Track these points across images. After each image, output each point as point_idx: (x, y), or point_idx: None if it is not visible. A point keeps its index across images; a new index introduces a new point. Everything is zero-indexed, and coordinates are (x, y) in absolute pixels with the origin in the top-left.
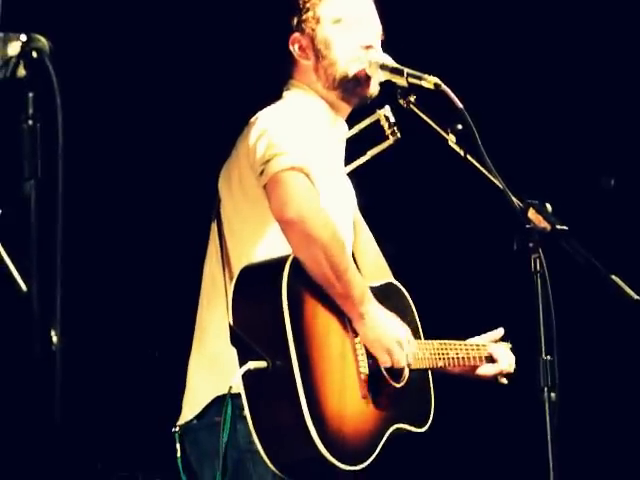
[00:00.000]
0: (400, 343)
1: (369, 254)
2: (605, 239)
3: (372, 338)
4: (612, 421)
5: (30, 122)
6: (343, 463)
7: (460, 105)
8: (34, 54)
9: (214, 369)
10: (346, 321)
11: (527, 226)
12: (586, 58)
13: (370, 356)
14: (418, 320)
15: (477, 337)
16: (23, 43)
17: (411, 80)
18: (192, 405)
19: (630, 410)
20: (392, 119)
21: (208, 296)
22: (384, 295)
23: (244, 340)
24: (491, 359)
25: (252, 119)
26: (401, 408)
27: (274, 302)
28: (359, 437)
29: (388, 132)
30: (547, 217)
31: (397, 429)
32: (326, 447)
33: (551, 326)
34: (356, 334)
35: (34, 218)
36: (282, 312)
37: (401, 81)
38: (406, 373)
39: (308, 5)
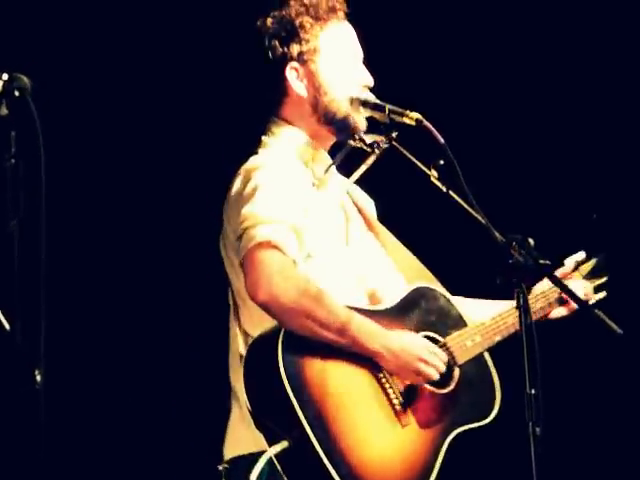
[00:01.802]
0: (423, 359)
1: (404, 260)
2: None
3: (396, 367)
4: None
5: (12, 161)
6: None
7: (442, 140)
8: (16, 93)
9: (252, 426)
10: (364, 363)
11: (510, 261)
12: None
13: (398, 384)
14: (461, 311)
15: (546, 280)
16: (5, 82)
17: (393, 117)
18: (233, 448)
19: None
20: (367, 140)
21: (234, 355)
22: (410, 304)
23: (263, 423)
24: (562, 299)
25: (237, 174)
26: (458, 410)
27: (275, 379)
28: (408, 470)
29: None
30: (529, 252)
31: (459, 434)
32: None
33: (535, 360)
34: (378, 369)
35: (17, 256)
36: (284, 387)
37: (383, 117)
38: (455, 374)
39: (309, 36)
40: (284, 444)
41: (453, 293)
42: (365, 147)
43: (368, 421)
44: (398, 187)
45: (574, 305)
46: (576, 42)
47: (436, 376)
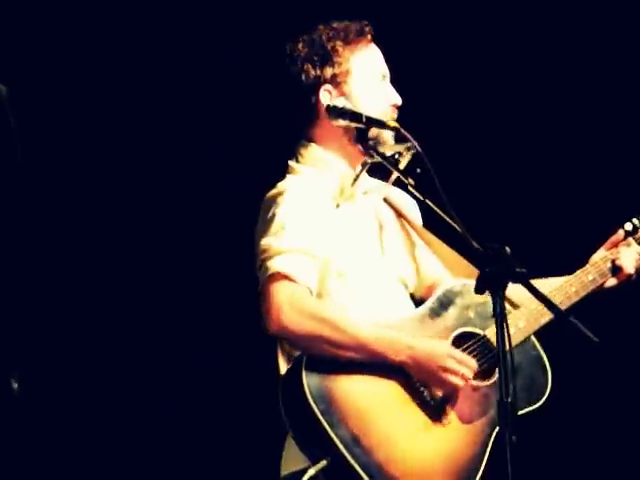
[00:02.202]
0: (448, 368)
1: (450, 258)
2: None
3: (424, 376)
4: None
5: None
6: None
7: (419, 149)
8: None
9: None
10: (391, 372)
11: (486, 269)
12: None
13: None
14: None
15: (600, 250)
16: None
17: (370, 125)
18: (288, 464)
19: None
20: (388, 153)
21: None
22: (443, 304)
23: (304, 445)
24: (614, 269)
25: (268, 195)
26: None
27: (305, 405)
28: (454, 467)
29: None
30: (506, 260)
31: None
32: None
33: (510, 369)
34: (407, 381)
35: None
36: (314, 412)
37: (360, 126)
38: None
39: (341, 59)
40: (323, 463)
41: None
42: (383, 161)
43: (402, 429)
44: None
45: (626, 274)
46: (564, 48)
47: (461, 384)
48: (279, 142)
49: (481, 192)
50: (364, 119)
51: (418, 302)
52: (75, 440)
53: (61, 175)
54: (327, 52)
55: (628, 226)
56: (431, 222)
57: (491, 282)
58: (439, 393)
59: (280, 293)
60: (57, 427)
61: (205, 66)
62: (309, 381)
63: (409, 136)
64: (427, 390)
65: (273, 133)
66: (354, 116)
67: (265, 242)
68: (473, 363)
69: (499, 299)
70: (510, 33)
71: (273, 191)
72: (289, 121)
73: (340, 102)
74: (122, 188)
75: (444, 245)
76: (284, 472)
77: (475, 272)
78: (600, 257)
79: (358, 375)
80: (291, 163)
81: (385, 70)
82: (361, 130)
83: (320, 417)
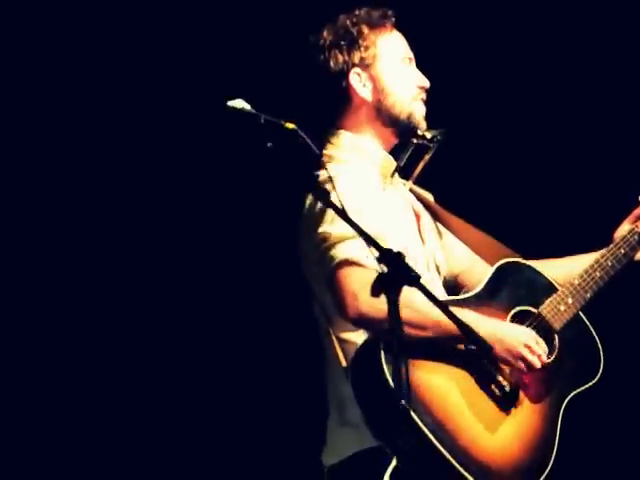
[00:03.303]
0: (528, 345)
1: (479, 241)
2: None
3: (501, 352)
4: None
5: None
6: None
7: (317, 151)
8: None
9: (357, 431)
10: (463, 358)
11: (385, 271)
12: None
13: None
14: (548, 276)
15: (624, 224)
16: None
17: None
18: (336, 451)
19: None
20: (428, 136)
21: (331, 364)
22: (497, 284)
23: (382, 435)
24: None
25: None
26: (566, 376)
27: (386, 393)
28: (532, 448)
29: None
30: (401, 265)
31: (571, 399)
32: None
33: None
34: (477, 363)
35: None
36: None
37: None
38: (556, 341)
39: (367, 43)
40: (393, 463)
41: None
42: (427, 143)
43: (480, 413)
44: None
45: None
46: (561, 46)
47: (538, 365)
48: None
49: (493, 179)
50: (262, 120)
51: (449, 289)
52: (71, 439)
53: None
54: (353, 37)
55: None
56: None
57: (386, 284)
58: (511, 375)
59: (353, 280)
60: (58, 426)
61: (220, 61)
62: (389, 369)
63: (309, 140)
64: (499, 374)
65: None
66: (252, 117)
67: (323, 231)
68: (545, 346)
69: (393, 301)
70: (505, 30)
71: (319, 179)
72: (320, 109)
73: (239, 103)
74: (137, 184)
75: (473, 229)
76: (332, 460)
77: (506, 251)
78: (628, 230)
79: (432, 362)
80: (328, 152)
81: (410, 53)
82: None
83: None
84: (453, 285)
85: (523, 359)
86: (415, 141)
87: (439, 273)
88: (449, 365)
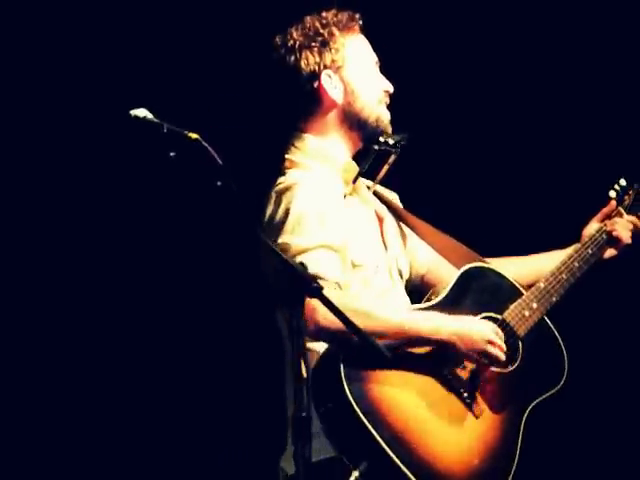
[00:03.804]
0: (491, 340)
1: (444, 244)
2: None
3: (466, 350)
4: None
5: None
6: None
7: (220, 162)
8: None
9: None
10: (425, 367)
11: (284, 285)
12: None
13: (463, 377)
14: (514, 281)
15: (592, 222)
16: None
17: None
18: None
19: None
20: (391, 142)
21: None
22: (461, 290)
23: (341, 446)
24: (610, 240)
25: (269, 197)
26: (529, 383)
27: (345, 406)
28: (494, 457)
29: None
30: (301, 274)
31: (535, 406)
32: None
33: (300, 379)
34: (440, 368)
35: None
36: (356, 413)
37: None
38: (520, 347)
39: (338, 45)
40: (364, 465)
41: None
42: (389, 148)
43: (439, 423)
44: None
45: (624, 243)
46: (515, 47)
47: (503, 357)
48: (268, 137)
49: (457, 180)
50: (165, 129)
51: (415, 291)
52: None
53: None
54: (324, 38)
55: (612, 193)
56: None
57: (287, 297)
58: (468, 382)
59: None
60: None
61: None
62: (348, 381)
63: (212, 150)
64: (459, 382)
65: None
66: (154, 126)
67: (283, 242)
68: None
69: (296, 314)
70: (463, 31)
71: (280, 186)
72: (282, 113)
73: (141, 112)
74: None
75: (436, 231)
76: (291, 469)
77: (470, 254)
78: (596, 229)
79: (394, 372)
80: (290, 157)
81: (375, 57)
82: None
83: (362, 417)
84: (419, 286)
85: (487, 354)
86: (377, 147)
87: (402, 277)
88: (409, 376)
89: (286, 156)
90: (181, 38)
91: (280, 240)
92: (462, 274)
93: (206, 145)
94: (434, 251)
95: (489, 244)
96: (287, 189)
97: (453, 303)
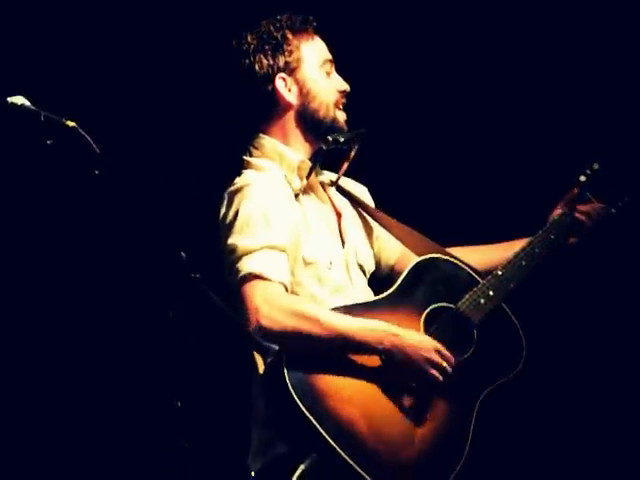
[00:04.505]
0: (431, 359)
1: (409, 238)
2: None
3: (405, 364)
4: None
5: None
6: None
7: (97, 150)
8: None
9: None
10: (372, 360)
11: (164, 274)
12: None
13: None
14: (471, 270)
15: (557, 208)
16: None
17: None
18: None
19: None
20: (341, 139)
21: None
22: (412, 282)
23: (290, 443)
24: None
25: (222, 198)
26: (483, 370)
27: (289, 402)
28: (445, 444)
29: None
30: (181, 266)
31: (488, 392)
32: None
33: (185, 373)
34: (381, 369)
35: None
36: (299, 407)
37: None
38: (474, 335)
39: (292, 47)
40: (313, 457)
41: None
42: (339, 146)
43: (386, 415)
44: None
45: (586, 229)
46: (467, 45)
47: (441, 379)
48: (228, 139)
49: (417, 173)
50: (42, 117)
51: (385, 282)
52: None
53: None
54: (278, 41)
55: (582, 178)
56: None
57: (167, 287)
58: (416, 383)
59: (255, 294)
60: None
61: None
62: (292, 378)
63: (89, 138)
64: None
65: (221, 130)
66: (32, 114)
67: (231, 242)
68: (452, 358)
69: (175, 304)
70: (416, 30)
71: (232, 188)
72: (240, 116)
73: (18, 100)
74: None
75: (400, 225)
76: (257, 465)
77: (431, 246)
78: (559, 215)
79: (337, 368)
80: (247, 158)
81: (331, 58)
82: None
83: (307, 412)
84: (391, 277)
85: (424, 372)
86: (325, 147)
87: (364, 271)
88: (355, 369)
89: (243, 157)
90: (146, 40)
91: (229, 241)
92: (412, 267)
93: (83, 133)
94: (401, 244)
95: (456, 233)
96: (238, 190)
97: (402, 297)
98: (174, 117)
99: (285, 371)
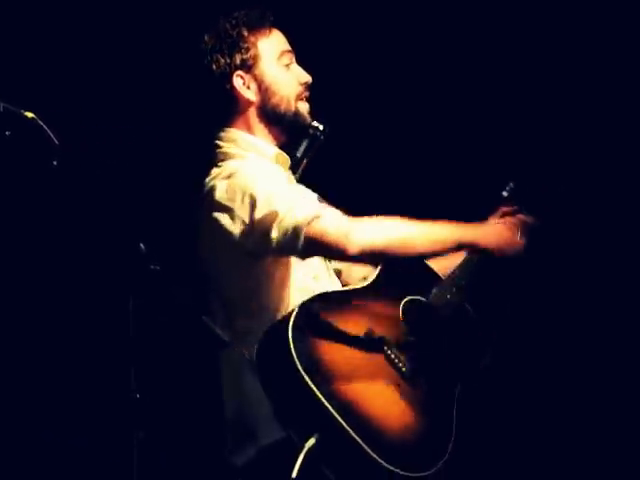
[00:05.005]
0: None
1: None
2: None
3: (500, 242)
4: None
5: None
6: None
7: (56, 141)
8: None
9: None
10: (371, 342)
11: (121, 265)
12: None
13: (405, 352)
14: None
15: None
16: None
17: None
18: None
19: None
20: (321, 127)
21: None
22: (388, 274)
23: (289, 420)
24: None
25: (211, 184)
26: (456, 362)
27: (292, 373)
28: (433, 425)
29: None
30: (140, 258)
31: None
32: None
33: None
34: (383, 346)
35: None
36: (303, 379)
37: None
38: (446, 330)
39: (248, 44)
40: (315, 437)
41: None
42: (319, 134)
43: (385, 393)
44: None
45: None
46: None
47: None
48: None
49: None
50: (1, 108)
51: None
52: None
53: None
54: (233, 39)
55: (505, 193)
56: None
57: (125, 278)
58: (407, 360)
59: (326, 231)
60: None
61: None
62: (296, 345)
63: (48, 130)
64: (399, 360)
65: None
66: None
67: (263, 215)
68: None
69: (133, 296)
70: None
71: (224, 174)
72: (208, 114)
73: None
74: None
75: None
76: (241, 460)
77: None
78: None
79: (341, 343)
80: (223, 150)
81: (290, 50)
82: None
83: (314, 389)
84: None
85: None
86: (311, 132)
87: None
88: (356, 345)
89: (219, 150)
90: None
91: (259, 215)
92: (376, 277)
93: (42, 124)
94: None
95: None
96: (233, 174)
97: (383, 285)
98: (134, 107)
99: (290, 339)
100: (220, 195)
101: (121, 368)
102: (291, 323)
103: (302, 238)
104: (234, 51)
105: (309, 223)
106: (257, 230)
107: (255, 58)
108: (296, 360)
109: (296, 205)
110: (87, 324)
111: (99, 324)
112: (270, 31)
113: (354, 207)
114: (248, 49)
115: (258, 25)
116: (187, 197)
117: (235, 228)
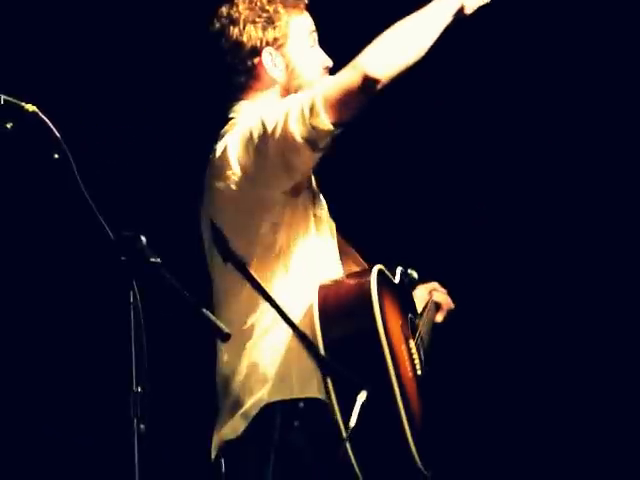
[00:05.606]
0: None
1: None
2: None
3: None
4: None
5: None
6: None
7: (57, 134)
8: None
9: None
10: (403, 326)
11: (122, 258)
12: None
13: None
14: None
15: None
16: None
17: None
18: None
19: None
20: None
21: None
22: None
23: (340, 371)
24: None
25: (219, 154)
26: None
27: (367, 325)
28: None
29: None
30: (140, 250)
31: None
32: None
33: (143, 358)
34: (409, 337)
35: None
36: (378, 334)
37: None
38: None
39: (281, 23)
40: (363, 395)
41: None
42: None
43: (414, 385)
44: None
45: (447, 308)
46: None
47: None
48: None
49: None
50: (2, 101)
51: None
52: None
53: None
54: (269, 15)
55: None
56: None
57: (125, 271)
58: (417, 353)
59: (336, 81)
60: None
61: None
62: (380, 301)
63: (50, 123)
64: (415, 353)
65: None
66: None
67: (274, 123)
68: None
69: (133, 289)
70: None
71: (240, 130)
72: (226, 84)
73: None
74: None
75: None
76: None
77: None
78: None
79: (397, 316)
80: (234, 121)
81: (316, 36)
82: None
83: (386, 349)
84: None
85: None
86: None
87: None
88: (400, 322)
89: (230, 122)
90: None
91: (270, 127)
92: (379, 271)
93: (43, 117)
94: None
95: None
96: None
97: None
98: (138, 99)
99: (375, 299)
100: (232, 141)
101: (121, 362)
102: (374, 279)
103: (322, 107)
104: (268, 27)
105: (317, 94)
106: (275, 136)
107: (285, 37)
108: (378, 316)
109: (295, 97)
110: (87, 317)
111: (99, 317)
112: (302, 12)
113: (354, 205)
114: (282, 27)
115: (294, 5)
116: (188, 189)
117: (250, 152)
